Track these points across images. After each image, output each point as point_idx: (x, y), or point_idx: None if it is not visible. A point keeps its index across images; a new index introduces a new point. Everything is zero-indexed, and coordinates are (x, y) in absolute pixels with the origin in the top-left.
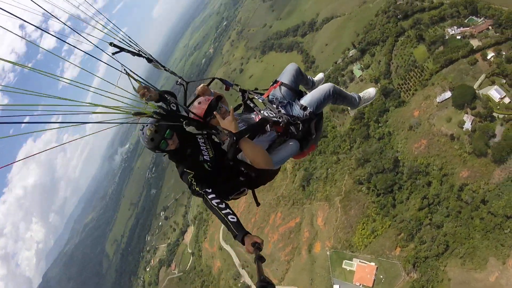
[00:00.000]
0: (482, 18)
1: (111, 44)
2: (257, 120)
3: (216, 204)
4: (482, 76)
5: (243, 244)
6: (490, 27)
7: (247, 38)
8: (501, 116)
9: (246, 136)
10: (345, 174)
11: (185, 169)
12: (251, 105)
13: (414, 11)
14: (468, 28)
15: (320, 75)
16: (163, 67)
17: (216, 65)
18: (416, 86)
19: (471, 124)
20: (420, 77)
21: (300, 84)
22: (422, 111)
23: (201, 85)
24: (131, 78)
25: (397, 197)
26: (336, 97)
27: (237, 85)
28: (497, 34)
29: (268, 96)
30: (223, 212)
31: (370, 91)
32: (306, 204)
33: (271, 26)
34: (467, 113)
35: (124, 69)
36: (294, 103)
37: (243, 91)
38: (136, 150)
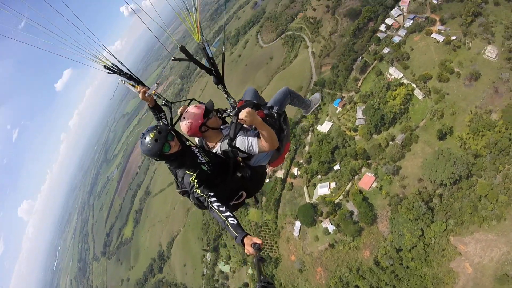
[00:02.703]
0: None
1: (105, 67)
2: None
3: (216, 207)
4: (304, 188)
5: (243, 245)
6: None
7: None
8: (341, 197)
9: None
10: None
11: (186, 171)
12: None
13: None
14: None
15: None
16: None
17: None
18: (274, 240)
19: (332, 224)
20: (270, 230)
21: (258, 101)
22: (295, 252)
23: (182, 106)
24: (129, 85)
25: None
26: (293, 96)
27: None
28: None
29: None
30: (224, 215)
31: (316, 95)
32: None
33: (129, 279)
34: (322, 221)
35: (121, 80)
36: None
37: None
38: None
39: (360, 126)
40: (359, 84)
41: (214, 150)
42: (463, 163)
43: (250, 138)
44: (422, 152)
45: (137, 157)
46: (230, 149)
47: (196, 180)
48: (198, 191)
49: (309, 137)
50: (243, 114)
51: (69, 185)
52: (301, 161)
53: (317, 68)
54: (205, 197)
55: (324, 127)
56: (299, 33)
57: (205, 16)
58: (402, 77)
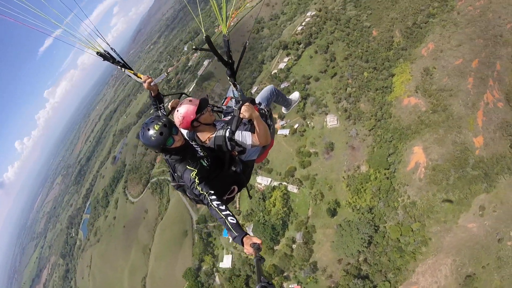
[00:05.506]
0: None
1: (98, 53)
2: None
3: (216, 206)
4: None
5: (242, 245)
6: None
7: None
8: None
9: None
10: None
11: (187, 167)
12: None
13: None
14: None
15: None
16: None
17: None
18: None
19: None
20: None
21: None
22: None
23: (173, 100)
24: (130, 74)
25: None
26: (277, 94)
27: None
28: None
29: (227, 105)
30: (223, 213)
31: (295, 94)
32: None
33: None
34: None
35: (121, 69)
36: None
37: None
38: None
39: None
40: (237, 205)
41: (207, 144)
42: (364, 224)
43: (244, 132)
44: (325, 236)
45: None
46: (228, 142)
47: (197, 177)
48: (199, 188)
49: (217, 279)
50: (244, 109)
51: None
52: None
53: (193, 206)
54: (205, 195)
55: (226, 262)
56: (163, 177)
57: (70, 179)
58: (271, 181)
